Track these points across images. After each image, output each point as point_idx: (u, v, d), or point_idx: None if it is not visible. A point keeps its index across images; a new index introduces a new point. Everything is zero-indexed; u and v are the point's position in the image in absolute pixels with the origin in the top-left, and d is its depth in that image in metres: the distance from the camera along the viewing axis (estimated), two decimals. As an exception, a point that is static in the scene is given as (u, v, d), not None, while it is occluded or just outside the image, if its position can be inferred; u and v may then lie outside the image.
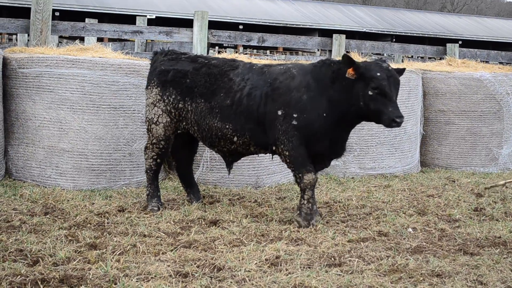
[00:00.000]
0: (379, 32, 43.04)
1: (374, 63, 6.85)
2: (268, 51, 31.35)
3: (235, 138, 7.21)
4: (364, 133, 10.19)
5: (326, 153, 7.18)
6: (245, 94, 7.11)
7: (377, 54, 20.55)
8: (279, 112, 6.95)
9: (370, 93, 6.68)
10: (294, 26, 40.10)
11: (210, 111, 7.25)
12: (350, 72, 6.76)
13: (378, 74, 6.68)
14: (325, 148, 7.09)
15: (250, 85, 7.15)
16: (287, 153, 7.00)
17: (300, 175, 7.00)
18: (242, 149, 7.34)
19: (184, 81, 7.39)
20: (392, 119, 6.63)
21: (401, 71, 7.05)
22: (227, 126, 7.17)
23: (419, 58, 21.39)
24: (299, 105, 6.91)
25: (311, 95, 6.92)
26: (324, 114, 6.90)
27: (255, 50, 30.57)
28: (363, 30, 42.55)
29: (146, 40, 16.36)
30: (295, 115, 6.89)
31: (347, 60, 6.79)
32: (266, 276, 5.44)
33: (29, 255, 5.69)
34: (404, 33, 43.63)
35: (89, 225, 6.76)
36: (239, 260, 5.79)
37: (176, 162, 7.99)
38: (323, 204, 8.07)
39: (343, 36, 12.91)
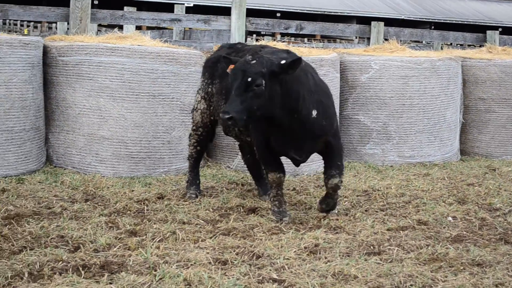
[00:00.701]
0: (418, 19, 42.63)
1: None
2: (305, 39, 31.24)
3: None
4: (403, 121, 10.12)
5: (283, 152, 6.72)
6: None
7: (415, 41, 20.37)
8: None
9: None
10: (332, 13, 39.88)
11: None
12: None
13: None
14: (278, 145, 6.62)
15: None
16: (256, 151, 6.90)
17: (266, 172, 6.89)
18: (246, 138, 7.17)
19: (216, 67, 7.36)
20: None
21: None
22: None
23: (459, 45, 21.19)
24: None
25: None
26: None
27: (293, 38, 30.47)
28: (402, 18, 42.18)
29: (184, 28, 16.39)
30: None
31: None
32: (305, 264, 5.44)
33: (70, 241, 5.76)
34: (443, 20, 43.17)
35: (128, 212, 6.81)
36: (278, 248, 5.79)
37: (243, 155, 7.97)
38: (361, 193, 8.04)
39: (382, 23, 12.83)
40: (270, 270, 5.27)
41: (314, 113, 6.37)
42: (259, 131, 6.62)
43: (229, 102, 5.96)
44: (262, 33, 27.24)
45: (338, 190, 6.81)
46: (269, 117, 6.19)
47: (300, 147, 6.58)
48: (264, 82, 5.94)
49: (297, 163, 6.92)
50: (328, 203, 6.85)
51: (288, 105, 6.19)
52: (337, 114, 7.86)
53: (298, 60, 6.08)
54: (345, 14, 40.37)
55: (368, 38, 12.87)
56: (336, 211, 6.97)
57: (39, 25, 28.75)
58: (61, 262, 5.24)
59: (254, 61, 6.00)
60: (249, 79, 5.90)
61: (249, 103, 5.91)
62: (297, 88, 6.23)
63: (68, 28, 14.52)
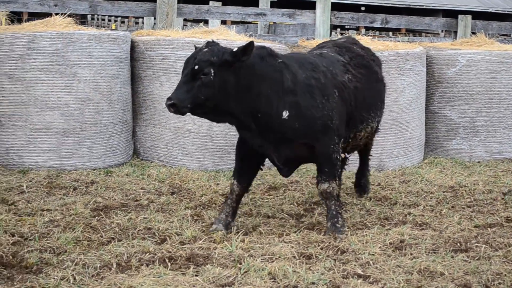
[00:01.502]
0: (506, 12, 41.73)
1: None
2: (390, 33, 30.91)
3: None
4: (491, 116, 9.91)
5: (261, 151, 6.19)
6: None
7: (503, 35, 19.95)
8: None
9: None
10: (417, 7, 39.35)
11: None
12: None
13: None
14: (253, 145, 6.13)
15: None
16: None
17: None
18: None
19: None
20: None
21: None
22: None
23: (549, 39, 20.61)
24: None
25: None
26: None
27: (377, 32, 30.21)
28: (489, 11, 41.34)
29: (269, 22, 16.42)
30: None
31: None
32: (390, 260, 5.40)
33: (157, 234, 5.85)
34: (533, 13, 42.16)
35: (214, 205, 6.87)
36: (363, 243, 5.76)
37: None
38: (448, 189, 7.92)
39: (469, 16, 12.60)
40: (355, 265, 5.25)
41: (285, 114, 5.86)
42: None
43: (175, 88, 5.68)
44: (346, 27, 27.09)
45: (331, 198, 6.10)
46: (225, 111, 5.77)
47: (275, 150, 6.03)
48: (212, 71, 5.59)
49: (281, 172, 6.31)
50: (328, 216, 6.16)
51: (248, 102, 5.76)
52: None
53: (250, 44, 5.64)
54: (431, 7, 39.77)
55: (455, 32, 12.66)
56: (343, 230, 6.09)
57: (126, 20, 29.20)
58: (148, 253, 5.33)
59: (206, 49, 5.69)
60: (196, 67, 5.59)
61: (195, 92, 5.58)
62: (258, 85, 5.79)
63: (154, 23, 14.72)
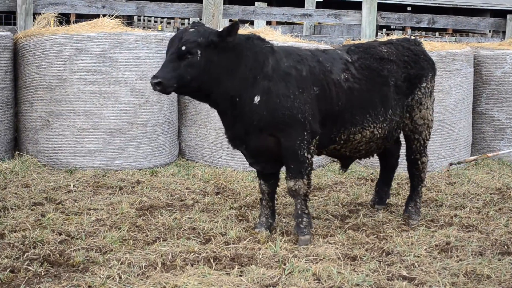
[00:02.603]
0: (556, 12, 41.13)
1: None
2: (437, 33, 30.66)
3: None
4: (540, 117, 9.78)
5: (232, 143, 6.19)
6: None
7: (553, 35, 19.63)
8: None
9: None
10: (465, 6, 38.98)
11: None
12: None
13: None
14: (227, 134, 6.15)
15: None
16: None
17: None
18: None
19: None
20: None
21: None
22: None
23: None
24: None
25: None
26: None
27: (423, 32, 29.97)
28: (538, 10, 40.79)
29: (314, 23, 16.40)
30: None
31: None
32: (436, 262, 5.36)
33: (201, 233, 5.88)
34: None
35: (258, 206, 6.86)
36: (408, 245, 5.73)
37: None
38: (495, 191, 7.83)
39: (518, 16, 12.43)
40: (400, 267, 5.22)
41: (257, 99, 5.74)
42: None
43: (161, 67, 5.62)
44: (392, 27, 26.93)
45: (297, 196, 5.96)
46: (207, 92, 5.75)
47: (243, 140, 5.94)
48: (199, 52, 5.55)
49: (252, 165, 6.24)
50: (294, 215, 6.05)
51: (228, 84, 5.72)
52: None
53: (235, 24, 5.63)
54: (479, 7, 39.35)
55: (503, 32, 12.50)
56: (306, 231, 5.87)
57: (172, 21, 29.36)
58: (192, 253, 5.36)
59: (192, 29, 5.64)
60: (183, 48, 5.54)
61: (182, 72, 5.55)
62: (239, 67, 5.74)
63: (200, 24, 14.76)
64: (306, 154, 5.86)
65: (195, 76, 5.59)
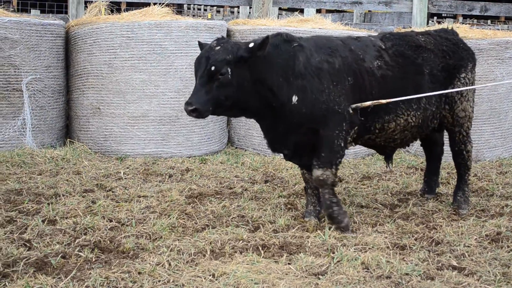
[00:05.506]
0: None
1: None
2: (489, 21, 30.23)
3: None
4: None
5: (273, 148, 6.13)
6: None
7: None
8: None
9: None
10: (518, -6, 38.36)
11: None
12: None
13: None
14: (269, 142, 6.08)
15: None
16: None
17: None
18: None
19: None
20: None
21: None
22: None
23: None
24: None
25: None
26: None
27: (475, 20, 29.57)
28: None
29: (365, 10, 16.28)
30: None
31: None
32: (486, 252, 5.30)
33: (250, 221, 5.89)
34: None
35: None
36: (458, 235, 5.67)
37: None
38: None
39: None
40: (450, 257, 5.17)
41: (294, 99, 5.67)
42: None
43: (193, 92, 5.45)
44: (443, 15, 26.62)
45: (325, 186, 5.83)
46: (244, 107, 5.66)
47: (283, 142, 5.92)
48: (229, 70, 5.41)
49: (285, 157, 6.16)
50: (323, 206, 5.93)
51: (263, 94, 5.62)
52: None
53: (266, 39, 5.47)
54: (533, -6, 38.61)
55: (559, 20, 12.28)
56: (341, 219, 5.77)
57: (221, 9, 29.42)
58: (241, 241, 5.37)
59: (218, 47, 5.48)
60: (213, 68, 5.38)
61: (216, 94, 5.41)
62: (272, 76, 5.63)
63: (249, 12, 14.79)
64: (342, 144, 5.81)
65: (229, 95, 5.47)
